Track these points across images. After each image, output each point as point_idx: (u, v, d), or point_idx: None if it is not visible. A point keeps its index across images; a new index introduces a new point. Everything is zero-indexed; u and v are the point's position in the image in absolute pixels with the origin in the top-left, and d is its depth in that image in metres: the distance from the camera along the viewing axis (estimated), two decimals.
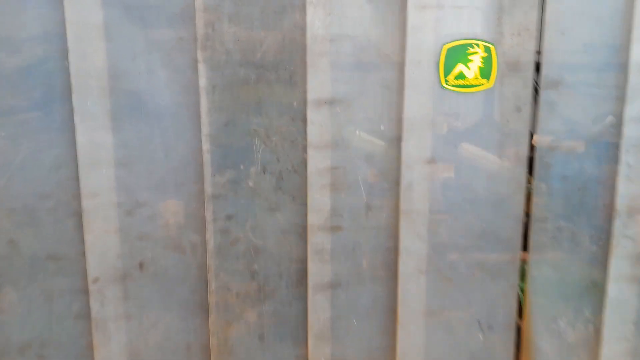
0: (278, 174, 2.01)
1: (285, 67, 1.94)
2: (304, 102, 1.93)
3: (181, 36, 1.93)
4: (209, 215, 2.02)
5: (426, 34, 1.87)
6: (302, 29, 1.90)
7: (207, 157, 1.98)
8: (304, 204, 2.01)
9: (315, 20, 1.87)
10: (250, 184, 2.02)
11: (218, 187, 2.01)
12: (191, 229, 2.06)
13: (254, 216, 2.04)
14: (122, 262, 2.07)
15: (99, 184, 2.00)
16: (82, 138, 1.95)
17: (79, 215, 2.01)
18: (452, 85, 1.90)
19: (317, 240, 2.03)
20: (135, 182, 2.02)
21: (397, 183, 1.98)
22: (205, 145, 1.97)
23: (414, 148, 1.93)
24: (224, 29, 1.92)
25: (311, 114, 1.93)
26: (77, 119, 1.93)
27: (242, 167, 2.00)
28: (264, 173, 2.01)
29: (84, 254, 2.04)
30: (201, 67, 1.92)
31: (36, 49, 1.93)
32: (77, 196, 1.99)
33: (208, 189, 2.00)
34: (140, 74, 1.95)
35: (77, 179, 1.98)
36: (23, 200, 2.02)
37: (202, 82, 1.93)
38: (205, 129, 1.96)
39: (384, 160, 1.99)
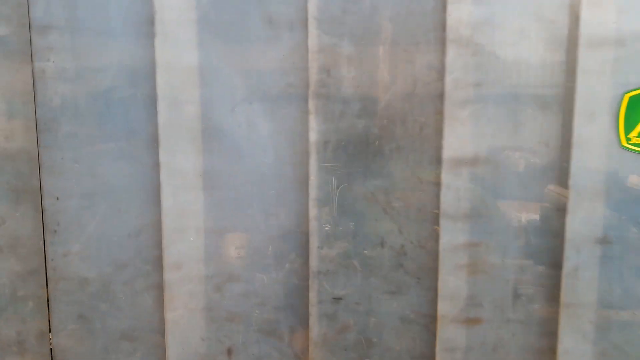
0: (400, 249, 1.63)
1: (414, 118, 1.57)
2: (438, 162, 1.56)
3: (290, 82, 1.60)
4: (313, 296, 1.65)
5: (602, 79, 1.47)
6: (439, 72, 1.53)
7: (314, 225, 1.63)
8: (433, 288, 1.61)
9: (457, 61, 1.51)
10: (365, 259, 1.64)
11: (326, 261, 1.64)
12: (291, 310, 1.70)
13: (369, 299, 1.66)
14: (207, 347, 1.73)
15: (184, 254, 1.68)
16: (168, 199, 1.64)
17: (159, 289, 1.69)
18: (636, 145, 1.47)
19: (449, 334, 1.61)
20: (228, 252, 1.69)
21: (557, 266, 1.55)
22: (313, 211, 1.62)
23: (582, 223, 1.51)
24: (342, 74, 1.58)
25: (446, 176, 1.55)
26: (163, 176, 1.63)
27: (355, 238, 1.63)
28: (383, 247, 1.63)
29: (163, 335, 1.70)
30: (312, 119, 1.59)
31: (119, 89, 1.65)
32: (159, 266, 1.67)
33: (314, 263, 1.64)
34: (240, 126, 1.63)
35: (159, 246, 1.66)
36: (97, 269, 1.72)
37: (313, 136, 1.59)
38: (313, 192, 1.61)
39: (540, 236, 1.57)
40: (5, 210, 1.70)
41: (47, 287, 1.72)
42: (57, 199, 1.67)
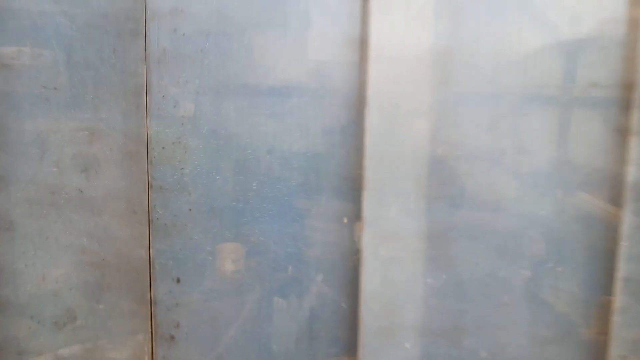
0: None
1: None
2: None
3: (595, 80, 0.93)
4: None
5: None
6: None
7: (618, 323, 0.95)
8: None
9: None
10: None
11: None
12: None
13: None
14: None
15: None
16: (372, 279, 0.97)
17: None
18: None
19: None
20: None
21: None
22: (621, 300, 0.94)
23: None
24: None
25: None
26: (365, 241, 0.94)
27: None
28: None
29: None
30: (635, 144, 0.90)
31: (293, 92, 0.93)
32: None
33: None
34: (503, 153, 0.95)
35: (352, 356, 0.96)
36: None
37: (634, 174, 0.91)
38: (624, 269, 0.94)
39: None
40: (82, 300, 0.95)
41: None
42: (178, 281, 0.93)
